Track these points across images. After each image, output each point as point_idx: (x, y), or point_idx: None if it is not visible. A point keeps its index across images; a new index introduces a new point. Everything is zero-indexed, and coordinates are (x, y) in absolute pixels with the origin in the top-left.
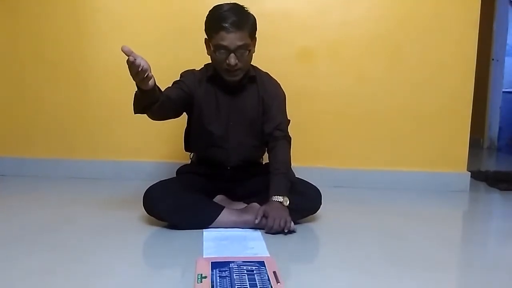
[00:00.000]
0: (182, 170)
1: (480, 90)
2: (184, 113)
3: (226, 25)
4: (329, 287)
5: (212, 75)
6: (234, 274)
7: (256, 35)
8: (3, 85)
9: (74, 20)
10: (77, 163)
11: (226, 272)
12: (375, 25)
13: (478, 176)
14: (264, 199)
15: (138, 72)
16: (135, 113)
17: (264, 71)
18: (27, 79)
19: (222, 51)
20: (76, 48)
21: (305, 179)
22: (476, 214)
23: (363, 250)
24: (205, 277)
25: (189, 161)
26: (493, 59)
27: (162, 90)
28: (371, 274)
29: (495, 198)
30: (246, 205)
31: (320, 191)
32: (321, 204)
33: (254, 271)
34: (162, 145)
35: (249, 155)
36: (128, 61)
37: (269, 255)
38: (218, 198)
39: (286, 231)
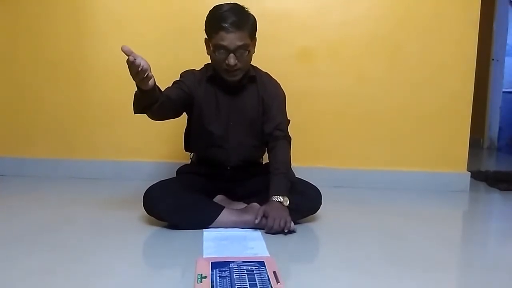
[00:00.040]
0: (182, 170)
1: (480, 90)
2: (184, 113)
3: (226, 25)
4: (329, 287)
5: (212, 75)
6: (234, 274)
7: (256, 35)
8: (3, 85)
9: (74, 20)
10: (77, 163)
11: (226, 272)
12: (375, 25)
13: (478, 176)
14: (264, 199)
15: (138, 72)
16: (135, 113)
17: (264, 71)
18: (27, 79)
19: (222, 51)
20: (76, 48)
21: (305, 179)
22: (476, 214)
23: (363, 250)
24: (205, 277)
25: (189, 161)
26: (493, 59)
27: (162, 90)
28: (371, 274)
29: (495, 198)
30: (246, 205)
31: (320, 191)
32: (321, 204)
33: (254, 271)
34: (162, 145)
35: (249, 155)
36: (128, 61)
37: (269, 255)
38: (218, 198)
39: (286, 231)
